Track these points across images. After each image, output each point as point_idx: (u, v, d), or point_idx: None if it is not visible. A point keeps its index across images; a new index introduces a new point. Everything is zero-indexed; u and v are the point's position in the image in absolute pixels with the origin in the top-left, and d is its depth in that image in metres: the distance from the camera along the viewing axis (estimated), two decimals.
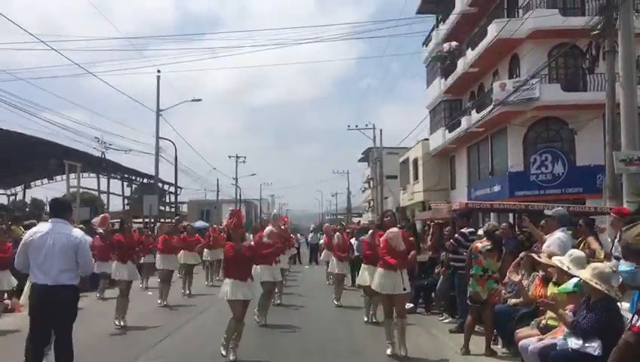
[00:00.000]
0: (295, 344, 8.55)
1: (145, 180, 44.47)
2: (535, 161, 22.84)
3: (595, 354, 4.09)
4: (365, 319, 10.29)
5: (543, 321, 5.33)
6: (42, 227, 5.74)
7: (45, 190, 43.12)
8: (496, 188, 24.55)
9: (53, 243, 5.49)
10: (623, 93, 10.78)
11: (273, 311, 10.86)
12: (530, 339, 5.08)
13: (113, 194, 42.94)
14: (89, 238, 8.10)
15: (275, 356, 7.73)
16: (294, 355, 7.88)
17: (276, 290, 12.00)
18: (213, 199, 59.19)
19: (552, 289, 5.78)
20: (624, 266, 3.48)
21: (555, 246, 6.78)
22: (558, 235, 7.14)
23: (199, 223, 37.39)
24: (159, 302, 12.55)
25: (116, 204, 44.83)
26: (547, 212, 7.51)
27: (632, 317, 3.16)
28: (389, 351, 7.50)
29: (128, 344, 8.61)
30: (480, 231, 8.71)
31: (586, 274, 4.20)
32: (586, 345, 4.17)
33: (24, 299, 6.81)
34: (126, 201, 45.91)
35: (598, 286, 3.91)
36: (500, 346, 7.45)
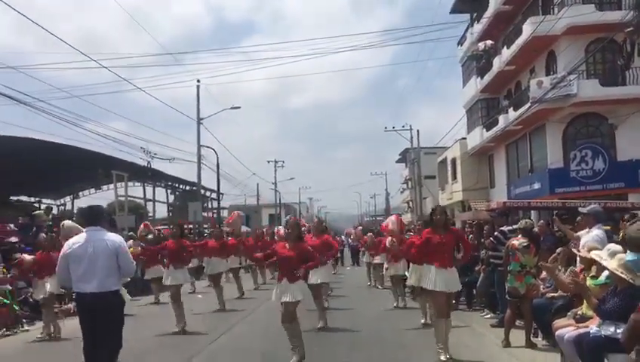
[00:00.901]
0: (341, 346, 8.54)
1: (187, 187, 45.59)
2: (575, 157, 22.69)
3: None
4: (423, 321, 9.91)
5: (579, 312, 5.64)
6: (79, 237, 5.77)
7: (92, 199, 44.47)
8: (536, 186, 24.46)
9: (93, 250, 5.54)
10: None
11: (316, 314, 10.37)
12: (566, 329, 5.40)
13: (158, 201, 44.17)
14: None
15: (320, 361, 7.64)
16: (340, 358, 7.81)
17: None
18: (253, 204, 60.16)
19: (589, 282, 6.07)
20: (630, 256, 3.86)
21: (594, 243, 7.02)
22: (596, 232, 7.32)
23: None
24: (218, 307, 12.80)
25: (161, 211, 46.16)
26: (582, 209, 7.74)
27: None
28: (442, 357, 7.06)
29: (178, 347, 8.88)
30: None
31: (613, 264, 4.51)
32: (618, 331, 4.48)
33: None
34: (169, 208, 47.14)
35: (623, 276, 4.22)
36: (539, 338, 7.74)
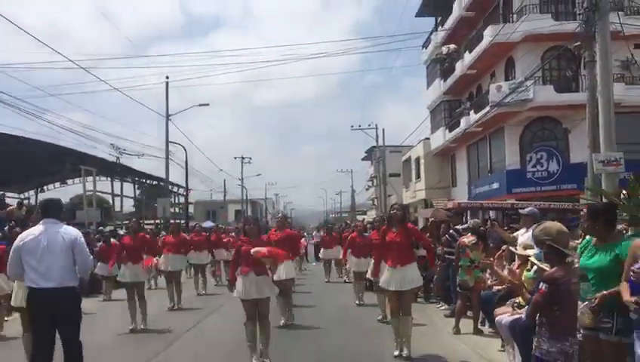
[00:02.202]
0: (306, 337, 8.90)
1: (154, 182, 45.66)
2: (531, 159, 23.87)
3: None
4: (380, 317, 10.06)
5: (517, 301, 6.42)
6: (34, 229, 5.44)
7: (57, 193, 44.31)
8: (495, 186, 25.58)
9: (47, 244, 5.24)
10: (600, 101, 11.82)
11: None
12: (503, 315, 6.19)
13: (126, 196, 44.20)
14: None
15: (284, 356, 7.67)
16: (304, 354, 7.85)
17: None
18: (219, 199, 60.42)
19: (525, 275, 6.87)
20: (536, 250, 4.84)
21: (529, 241, 7.80)
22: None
23: (208, 223, 38.50)
24: (170, 305, 12.35)
25: (127, 206, 46.25)
26: (521, 211, 8.58)
27: (540, 283, 4.25)
28: (395, 352, 7.31)
29: (137, 348, 8.55)
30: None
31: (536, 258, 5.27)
32: None
33: (19, 300, 6.72)
34: (135, 203, 47.24)
35: (544, 267, 4.97)
36: (487, 327, 8.57)
